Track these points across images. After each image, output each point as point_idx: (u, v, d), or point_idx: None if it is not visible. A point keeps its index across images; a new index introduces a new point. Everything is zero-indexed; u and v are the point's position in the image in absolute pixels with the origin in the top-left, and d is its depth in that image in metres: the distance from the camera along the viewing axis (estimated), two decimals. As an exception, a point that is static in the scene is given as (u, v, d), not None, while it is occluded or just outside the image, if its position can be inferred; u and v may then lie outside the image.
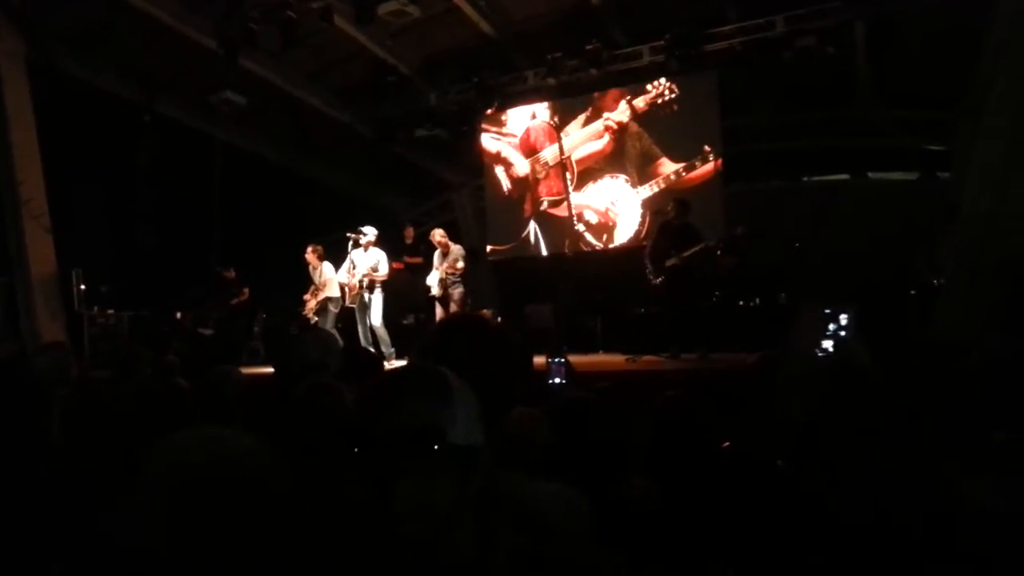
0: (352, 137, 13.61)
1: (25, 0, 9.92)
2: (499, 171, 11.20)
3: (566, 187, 10.36)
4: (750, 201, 11.35)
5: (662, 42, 10.64)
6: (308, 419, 2.25)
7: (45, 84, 10.40)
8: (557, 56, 11.22)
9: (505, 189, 11.10)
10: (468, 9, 10.99)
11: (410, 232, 12.30)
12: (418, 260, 10.90)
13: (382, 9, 9.95)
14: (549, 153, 10.63)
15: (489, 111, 12.44)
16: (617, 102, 10.58)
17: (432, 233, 10.21)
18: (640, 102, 10.40)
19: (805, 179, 12.74)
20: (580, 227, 10.85)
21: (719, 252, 9.69)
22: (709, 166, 10.11)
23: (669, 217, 8.62)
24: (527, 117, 11.00)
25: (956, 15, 8.89)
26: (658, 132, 10.39)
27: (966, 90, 10.62)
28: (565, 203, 10.47)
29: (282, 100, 12.75)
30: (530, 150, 10.84)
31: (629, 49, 11.11)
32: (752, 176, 12.04)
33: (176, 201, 12.89)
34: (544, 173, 10.65)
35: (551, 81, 11.62)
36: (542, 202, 10.70)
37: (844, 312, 1.52)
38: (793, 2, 9.91)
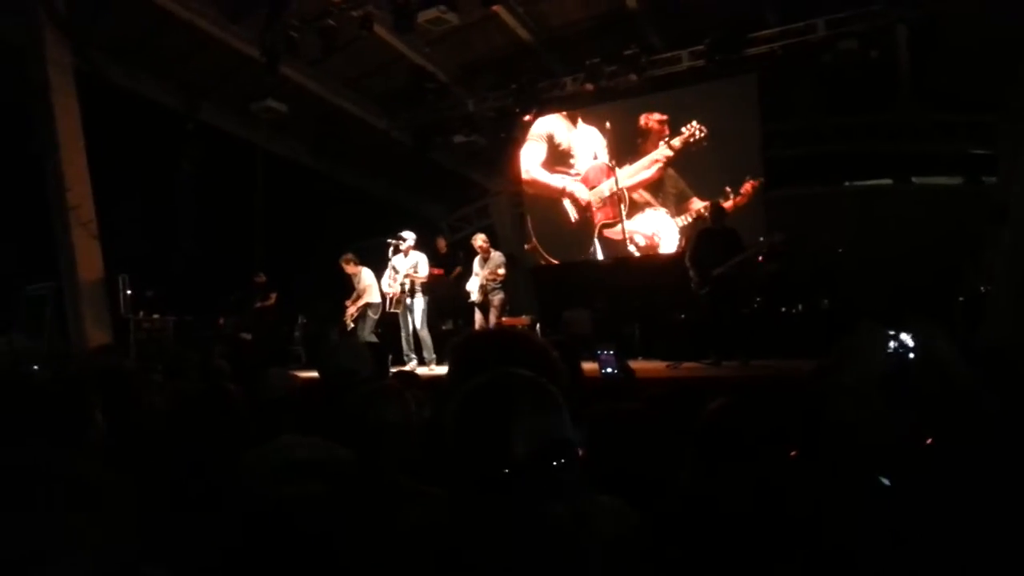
0: (390, 144, 13.71)
1: (72, 10, 10.11)
2: (566, 203, 12.12)
3: (620, 213, 11.43)
4: (791, 206, 11.24)
5: (701, 47, 10.61)
6: (369, 428, 2.23)
7: (91, 92, 10.57)
8: (595, 61, 11.22)
9: (572, 218, 12.07)
10: (506, 16, 11.03)
11: (442, 243, 12.36)
12: (439, 272, 10.93)
13: (421, 17, 9.99)
14: (606, 186, 11.67)
15: (528, 116, 12.50)
16: (657, 143, 11.33)
17: (473, 238, 10.23)
18: (676, 142, 11.15)
19: (847, 184, 12.57)
20: (632, 248, 11.73)
21: (760, 258, 9.63)
22: (739, 196, 10.60)
23: (708, 223, 8.57)
24: (590, 158, 11.84)
25: (998, 17, 8.75)
26: (690, 175, 11.21)
27: (1009, 92, 10.45)
28: (620, 227, 11.46)
29: (321, 107, 12.89)
30: (591, 185, 11.82)
31: (668, 54, 11.08)
32: (793, 181, 11.92)
33: (219, 207, 13.07)
34: (601, 203, 11.68)
35: (589, 87, 11.63)
36: (601, 225, 11.71)
37: (908, 331, 1.48)
38: (834, 5, 9.81)
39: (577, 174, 12.02)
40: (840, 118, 11.89)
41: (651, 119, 11.48)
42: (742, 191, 10.63)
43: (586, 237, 12.00)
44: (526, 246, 12.64)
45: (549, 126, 12.37)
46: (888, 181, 12.16)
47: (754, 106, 10.93)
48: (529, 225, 12.59)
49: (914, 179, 11.95)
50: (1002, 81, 8.93)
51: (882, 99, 11.47)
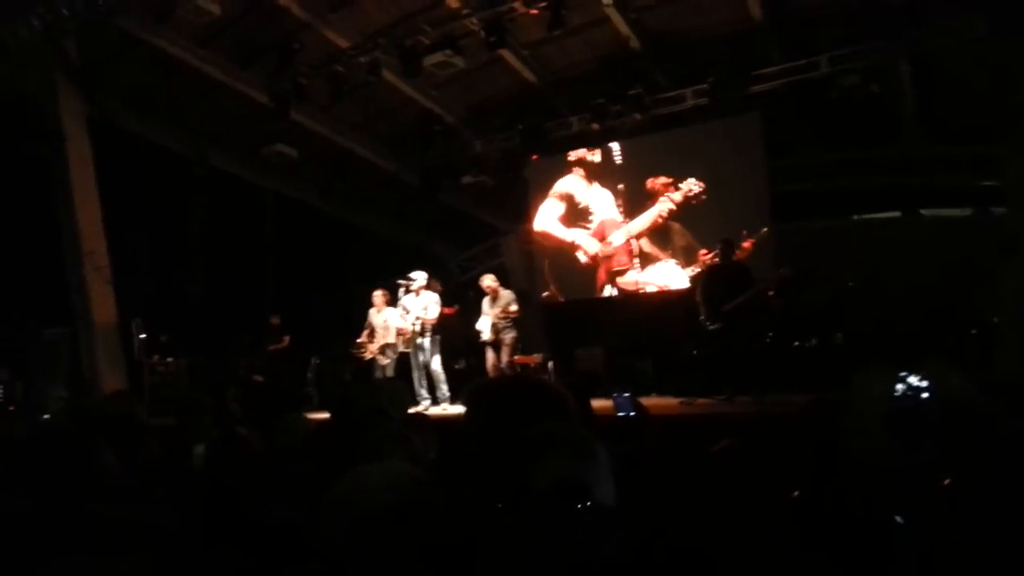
0: (399, 185, 13.83)
1: (85, 61, 10.29)
2: (579, 254, 12.50)
3: (632, 262, 11.90)
4: (800, 240, 11.26)
5: (705, 85, 10.71)
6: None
7: (104, 139, 10.73)
8: (600, 102, 11.34)
9: (582, 261, 12.46)
10: (511, 59, 11.19)
11: (436, 285, 12.40)
12: (450, 312, 10.93)
13: (427, 61, 10.14)
14: (617, 236, 12.13)
15: (535, 156, 12.66)
16: (663, 196, 11.73)
17: (481, 279, 10.26)
18: (678, 196, 11.53)
19: (855, 218, 12.60)
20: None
21: (771, 293, 9.63)
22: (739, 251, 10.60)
23: (717, 261, 8.60)
24: (605, 214, 12.28)
25: (1000, 50, 8.83)
26: (698, 228, 11.48)
27: (1014, 123, 10.49)
28: (631, 275, 11.91)
29: (331, 150, 13.03)
30: (604, 236, 12.25)
31: (672, 93, 11.19)
32: (801, 215, 11.95)
33: (230, 250, 13.16)
34: (613, 251, 12.15)
35: (595, 126, 11.74)
36: (613, 272, 12.14)
37: (920, 372, 1.46)
38: (837, 42, 9.91)
39: (591, 228, 12.45)
40: (846, 153, 11.95)
41: (657, 183, 11.85)
42: (744, 245, 10.64)
43: (599, 285, 12.29)
44: (545, 294, 12.74)
45: (569, 186, 12.71)
46: (896, 214, 12.19)
47: (759, 143, 11.00)
48: (547, 271, 12.73)
49: (923, 211, 11.97)
50: (1007, 113, 8.99)
51: (887, 133, 11.53)
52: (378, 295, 10.09)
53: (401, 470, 1.27)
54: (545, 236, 12.84)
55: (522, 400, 1.41)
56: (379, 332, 9.96)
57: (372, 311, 10.11)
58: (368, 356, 10.02)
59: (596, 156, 12.40)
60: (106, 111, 11.07)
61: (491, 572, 1.19)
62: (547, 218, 12.87)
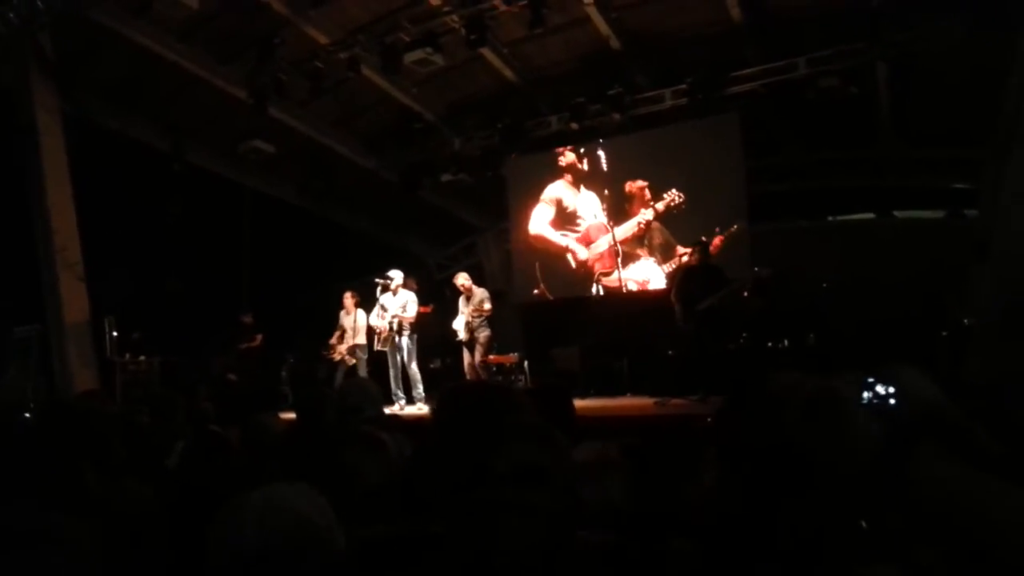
0: (378, 183, 13.77)
1: (61, 55, 10.17)
2: (568, 256, 12.71)
3: (616, 264, 12.13)
4: (775, 241, 11.34)
5: (684, 86, 10.75)
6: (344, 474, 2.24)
7: (78, 134, 10.60)
8: (580, 101, 11.36)
9: (573, 265, 12.66)
10: (491, 57, 11.16)
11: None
12: (427, 310, 10.96)
13: (407, 58, 10.12)
14: (604, 241, 12.36)
15: (513, 155, 12.67)
16: (640, 205, 12.07)
17: (455, 277, 10.27)
18: (660, 205, 11.80)
19: (830, 219, 12.70)
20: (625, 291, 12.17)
21: (745, 293, 9.69)
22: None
23: (692, 261, 8.64)
24: (592, 217, 12.54)
25: (978, 53, 8.91)
26: (675, 227, 11.73)
27: (991, 128, 10.58)
28: (616, 275, 12.10)
29: (309, 147, 12.95)
30: (591, 240, 12.54)
31: (651, 93, 11.22)
32: (777, 216, 12.04)
33: (205, 247, 13.06)
34: (599, 256, 12.41)
35: (574, 125, 11.75)
36: (599, 274, 12.40)
37: (888, 378, 1.46)
38: (815, 43, 9.97)
39: (579, 232, 12.73)
40: (822, 154, 12.04)
41: (634, 186, 12.09)
42: (714, 242, 10.72)
43: (587, 285, 12.48)
44: (535, 291, 12.77)
45: (557, 192, 12.88)
46: (871, 215, 12.30)
47: (737, 144, 11.06)
48: (538, 272, 12.80)
49: (896, 213, 12.08)
50: (983, 116, 9.06)
51: (864, 135, 11.63)
52: (348, 296, 10.15)
53: (290, 506, 1.21)
54: (539, 239, 12.98)
55: (487, 405, 1.43)
56: (348, 333, 10.02)
57: (342, 313, 10.16)
58: (337, 357, 10.06)
59: (584, 165, 12.57)
60: (81, 106, 10.94)
61: (455, 555, 1.20)
62: (540, 222, 13.02)
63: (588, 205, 12.56)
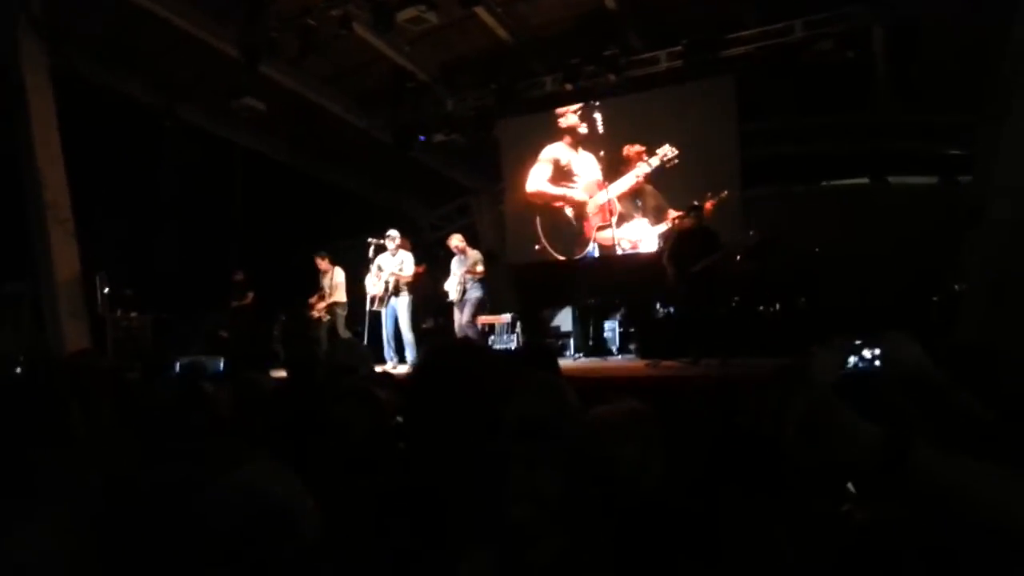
0: (370, 142, 13.68)
1: (47, 8, 10.01)
2: (568, 210, 12.78)
3: (609, 220, 12.14)
4: (769, 205, 11.34)
5: (679, 48, 10.67)
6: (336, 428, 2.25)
7: (68, 90, 10.48)
8: (575, 61, 11.27)
9: (572, 221, 12.76)
10: (486, 16, 11.03)
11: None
12: (421, 270, 10.98)
13: (400, 16, 9.99)
14: (600, 197, 12.42)
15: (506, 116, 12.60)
16: (638, 162, 12.09)
17: (449, 239, 10.26)
18: (654, 160, 11.85)
19: (824, 183, 12.68)
20: (618, 250, 12.18)
21: (738, 257, 9.71)
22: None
23: (686, 224, 8.64)
24: (588, 176, 12.59)
25: (976, 18, 8.85)
26: (668, 190, 11.78)
27: (987, 93, 10.53)
28: (610, 232, 12.11)
29: (301, 106, 12.82)
30: (589, 195, 12.68)
31: (646, 54, 11.13)
32: (771, 180, 12.02)
33: (197, 204, 12.99)
34: (597, 208, 12.47)
35: (568, 86, 11.67)
36: (596, 228, 12.49)
37: (876, 343, 1.44)
38: (812, 6, 9.89)
39: (575, 188, 12.80)
40: (818, 118, 11.99)
41: (631, 150, 12.14)
42: (705, 206, 10.74)
43: (585, 238, 12.51)
44: (536, 246, 12.79)
45: (556, 152, 12.94)
46: (865, 180, 12.28)
47: (732, 107, 11.03)
48: (539, 228, 12.83)
49: (890, 178, 12.07)
50: (979, 82, 9.02)
51: (859, 99, 11.58)
52: (318, 260, 10.27)
53: (267, 489, 1.20)
54: (537, 195, 13.02)
55: (464, 367, 1.42)
56: (326, 292, 10.15)
57: (321, 274, 10.29)
58: (316, 315, 10.18)
59: (584, 128, 12.58)
60: (70, 62, 10.79)
61: (463, 507, 1.24)
62: (539, 179, 13.06)
63: (585, 165, 12.60)
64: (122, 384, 4.44)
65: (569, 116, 12.65)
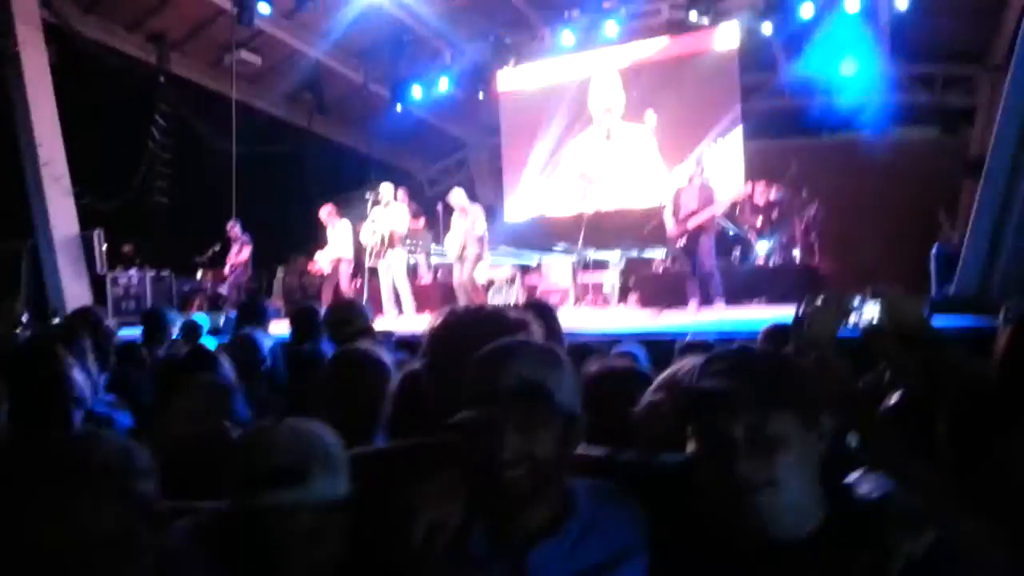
0: (367, 96, 13.55)
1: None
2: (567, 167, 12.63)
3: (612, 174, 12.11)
4: (770, 158, 11.28)
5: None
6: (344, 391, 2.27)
7: (62, 45, 10.35)
8: (574, 13, 11.14)
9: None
10: (484, -34, 10.89)
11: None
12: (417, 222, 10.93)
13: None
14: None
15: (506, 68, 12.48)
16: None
17: (449, 195, 10.18)
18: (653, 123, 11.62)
19: (826, 135, 12.61)
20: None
21: (739, 211, 9.70)
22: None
23: (688, 179, 8.61)
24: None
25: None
26: (668, 143, 11.53)
27: (989, 46, 10.41)
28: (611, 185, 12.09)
29: (297, 60, 12.69)
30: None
31: (648, 6, 11.01)
32: (772, 133, 11.96)
33: (194, 160, 12.87)
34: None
35: (568, 39, 11.54)
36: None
37: (870, 297, 1.43)
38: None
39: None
40: (819, 70, 11.87)
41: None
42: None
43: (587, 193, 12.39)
44: (533, 203, 12.80)
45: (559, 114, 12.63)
46: (866, 132, 12.20)
47: (733, 59, 10.92)
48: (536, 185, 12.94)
49: (891, 130, 11.99)
50: (980, 35, 8.93)
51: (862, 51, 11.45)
52: (322, 212, 10.23)
53: (318, 432, 1.30)
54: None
55: (481, 336, 1.43)
56: (331, 245, 10.13)
57: (328, 229, 10.26)
58: (315, 267, 10.19)
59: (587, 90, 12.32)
60: (63, 16, 10.65)
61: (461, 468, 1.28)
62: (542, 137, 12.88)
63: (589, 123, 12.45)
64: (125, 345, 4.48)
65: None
